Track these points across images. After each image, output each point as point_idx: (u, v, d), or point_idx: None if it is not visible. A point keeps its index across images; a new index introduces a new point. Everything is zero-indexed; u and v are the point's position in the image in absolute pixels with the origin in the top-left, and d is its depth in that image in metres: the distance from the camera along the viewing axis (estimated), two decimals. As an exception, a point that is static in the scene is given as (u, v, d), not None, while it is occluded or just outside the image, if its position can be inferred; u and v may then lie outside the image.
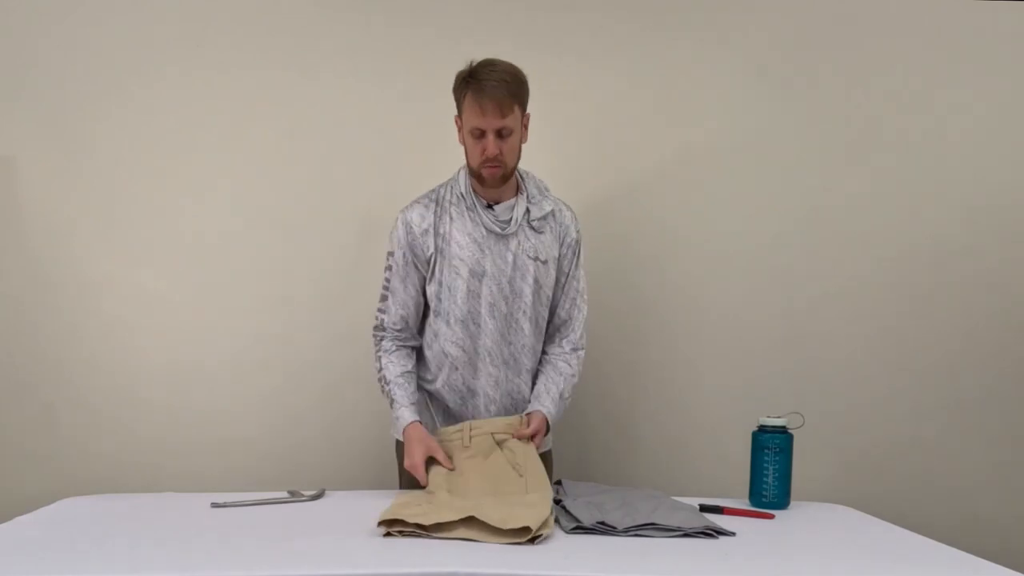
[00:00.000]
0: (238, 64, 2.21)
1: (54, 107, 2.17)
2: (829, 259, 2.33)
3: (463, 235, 1.82)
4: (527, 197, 1.87)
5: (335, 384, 2.24)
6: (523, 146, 1.84)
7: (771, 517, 1.71)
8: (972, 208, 2.35)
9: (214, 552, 1.37)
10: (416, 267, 1.85)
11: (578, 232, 1.93)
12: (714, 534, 1.52)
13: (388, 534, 1.45)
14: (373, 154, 2.24)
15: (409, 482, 1.86)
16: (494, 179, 1.79)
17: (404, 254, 1.85)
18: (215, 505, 1.69)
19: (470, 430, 1.79)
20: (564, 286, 1.92)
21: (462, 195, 1.84)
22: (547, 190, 1.92)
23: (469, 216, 1.83)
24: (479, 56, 1.77)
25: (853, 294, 2.34)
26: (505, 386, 1.86)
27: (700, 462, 2.30)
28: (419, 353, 1.92)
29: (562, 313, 1.93)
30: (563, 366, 1.90)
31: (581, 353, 1.93)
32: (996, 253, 2.35)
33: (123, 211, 2.20)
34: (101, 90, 2.18)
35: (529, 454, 1.76)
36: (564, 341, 1.93)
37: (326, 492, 1.83)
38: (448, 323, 1.84)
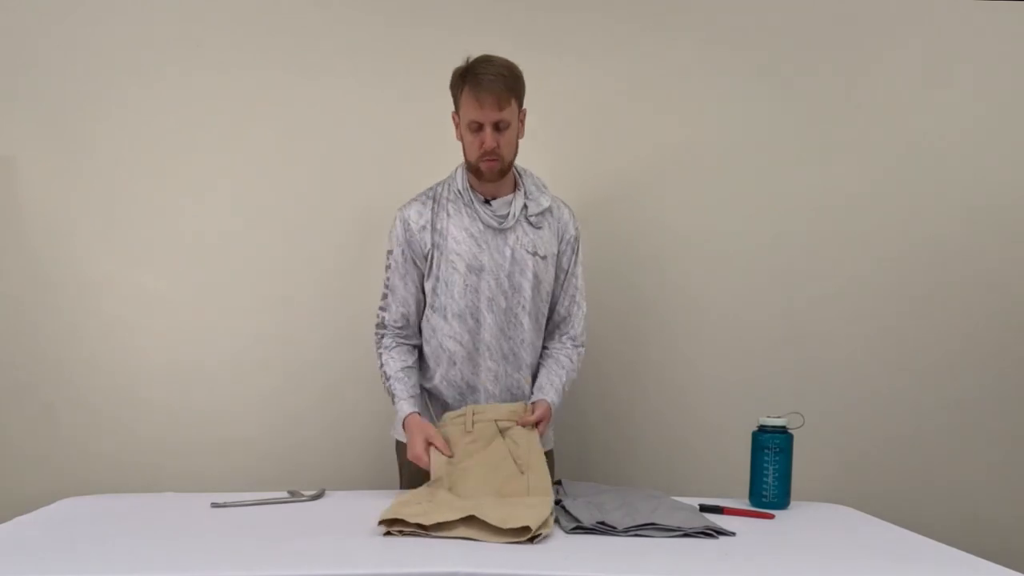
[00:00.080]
0: (238, 64, 2.21)
1: (54, 107, 2.17)
2: (829, 259, 2.34)
3: (459, 230, 1.83)
4: (524, 193, 1.87)
5: (335, 384, 2.24)
6: (523, 145, 1.85)
7: (771, 517, 1.71)
8: (972, 208, 2.35)
9: (214, 552, 1.37)
10: (415, 264, 1.86)
11: (577, 229, 1.93)
12: (714, 534, 1.52)
13: (388, 533, 1.45)
14: (373, 154, 2.24)
15: (410, 482, 1.86)
16: (492, 173, 1.80)
17: (403, 251, 1.86)
18: (215, 505, 1.69)
19: (472, 415, 1.78)
20: (564, 283, 1.93)
21: (459, 192, 1.85)
22: (545, 187, 1.92)
23: (466, 212, 1.84)
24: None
25: (853, 294, 2.34)
26: (505, 381, 1.86)
27: (700, 462, 2.30)
28: (419, 351, 1.92)
29: (561, 310, 1.93)
30: (564, 360, 1.90)
31: (582, 350, 1.94)
32: (996, 253, 2.36)
33: (123, 211, 2.20)
34: (101, 90, 2.18)
35: (532, 447, 1.75)
36: (565, 337, 1.93)
37: (326, 492, 1.83)
38: (445, 318, 1.84)
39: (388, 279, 1.88)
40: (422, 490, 1.68)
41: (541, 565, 1.31)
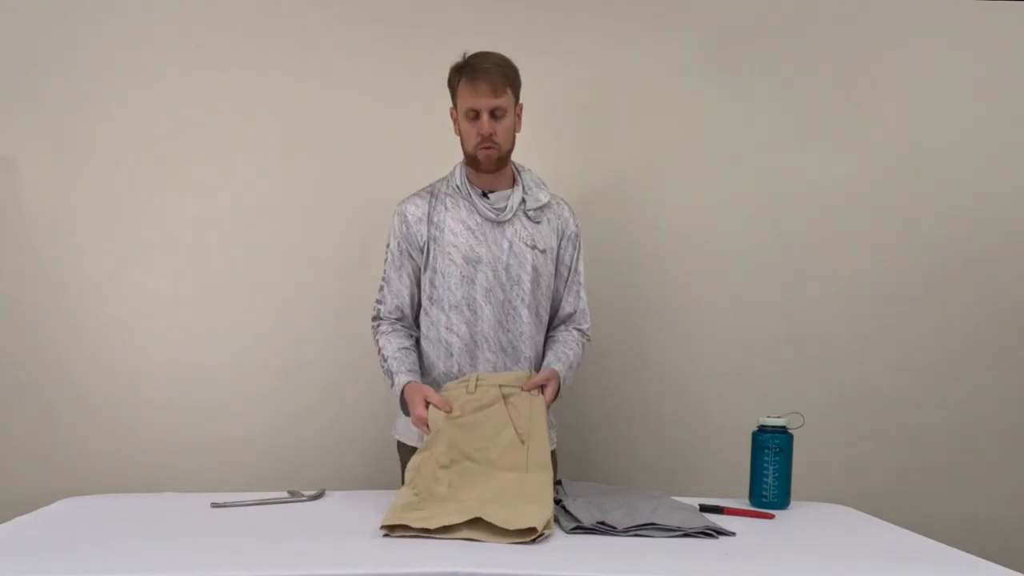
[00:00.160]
0: (238, 64, 2.21)
1: (54, 107, 2.17)
2: (829, 259, 2.34)
3: (457, 222, 1.84)
4: (523, 188, 1.88)
5: (335, 384, 2.24)
6: (522, 144, 1.86)
7: (771, 517, 1.71)
8: (972, 208, 2.35)
9: (214, 552, 1.37)
10: (411, 256, 1.87)
11: (577, 226, 1.94)
12: (714, 534, 1.52)
13: (388, 535, 1.45)
14: (373, 154, 2.24)
15: (410, 481, 1.85)
16: (489, 161, 1.80)
17: (399, 243, 1.87)
18: (215, 505, 1.69)
19: (476, 380, 1.78)
20: (568, 280, 1.93)
21: (457, 186, 1.86)
22: (544, 184, 1.92)
23: (464, 205, 1.85)
24: (478, 56, 1.79)
25: (853, 294, 2.34)
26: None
27: (700, 462, 2.30)
28: (417, 344, 1.91)
29: (567, 307, 1.94)
30: (572, 343, 1.90)
31: (587, 342, 1.95)
32: (996, 253, 2.36)
33: (123, 211, 2.20)
34: (101, 90, 2.18)
35: (535, 414, 1.73)
36: (573, 328, 1.94)
37: (326, 492, 1.83)
38: (443, 309, 1.84)
39: (385, 271, 1.89)
40: (421, 482, 1.63)
41: (541, 565, 1.31)
